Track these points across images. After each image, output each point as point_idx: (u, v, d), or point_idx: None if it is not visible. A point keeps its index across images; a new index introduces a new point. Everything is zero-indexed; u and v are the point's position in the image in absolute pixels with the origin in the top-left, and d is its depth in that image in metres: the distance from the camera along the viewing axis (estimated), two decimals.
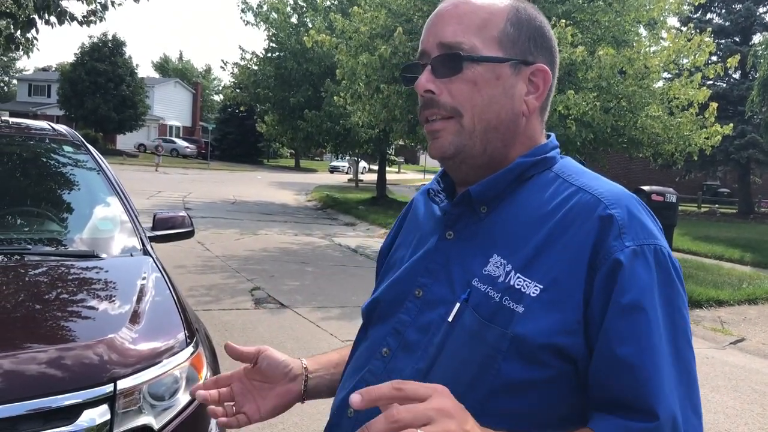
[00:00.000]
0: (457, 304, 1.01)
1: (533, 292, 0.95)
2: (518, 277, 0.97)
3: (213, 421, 2.31)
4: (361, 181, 34.07)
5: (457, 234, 1.09)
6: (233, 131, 50.74)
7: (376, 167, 26.92)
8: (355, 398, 0.82)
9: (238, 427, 1.19)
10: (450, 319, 1.01)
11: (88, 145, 3.62)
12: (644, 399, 0.89)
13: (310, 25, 20.51)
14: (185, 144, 50.38)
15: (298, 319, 6.75)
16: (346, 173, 45.55)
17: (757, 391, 5.55)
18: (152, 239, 3.25)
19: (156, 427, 2.07)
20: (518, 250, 1.00)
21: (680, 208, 25.73)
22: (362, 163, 39.58)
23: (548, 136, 1.14)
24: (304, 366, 1.26)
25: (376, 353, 1.09)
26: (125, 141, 47.94)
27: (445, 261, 1.08)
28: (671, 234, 9.24)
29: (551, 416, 0.95)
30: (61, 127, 3.82)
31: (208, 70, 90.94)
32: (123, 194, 3.31)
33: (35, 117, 49.72)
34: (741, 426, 4.74)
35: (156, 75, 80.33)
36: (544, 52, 1.09)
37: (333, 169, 50.19)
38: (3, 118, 4.00)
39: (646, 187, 9.01)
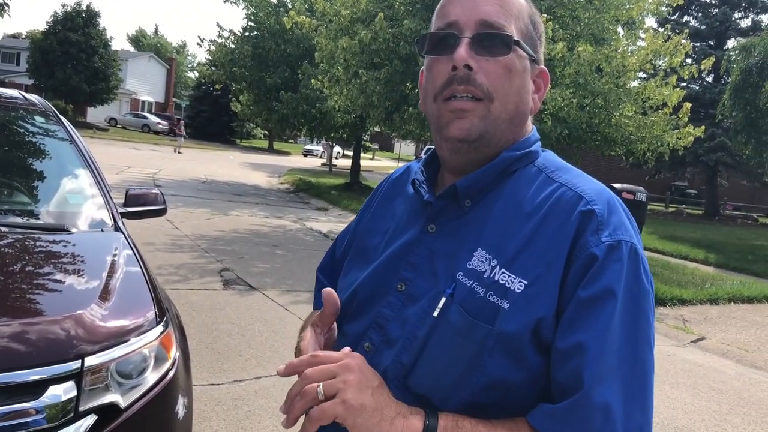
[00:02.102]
0: (443, 299, 1.00)
1: (518, 288, 0.96)
2: (503, 273, 0.97)
3: (180, 401, 2.29)
4: (335, 166, 33.94)
5: (440, 227, 1.08)
6: (207, 109, 50.07)
7: (350, 153, 26.82)
8: (280, 368, 0.94)
9: None
10: (435, 314, 1.00)
11: (60, 117, 3.54)
12: (578, 381, 0.90)
13: (290, 6, 20.27)
14: (157, 120, 49.60)
15: (266, 301, 6.72)
16: (320, 157, 45.30)
17: (715, 389, 5.68)
18: (124, 215, 3.20)
19: (123, 405, 2.04)
20: (503, 245, 1.00)
21: (649, 207, 26.19)
22: (336, 148, 39.47)
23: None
24: None
25: (358, 348, 1.08)
26: (96, 114, 47.03)
27: (429, 254, 1.07)
28: (640, 232, 9.35)
29: (534, 403, 0.96)
30: (33, 97, 3.72)
31: (184, 46, 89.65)
32: (95, 168, 3.25)
33: (2, 85, 48.55)
34: (698, 422, 4.84)
35: (130, 48, 78.93)
36: (542, 55, 1.12)
37: (307, 153, 49.86)
38: None
39: (617, 185, 9.11)
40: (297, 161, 40.99)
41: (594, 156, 19.32)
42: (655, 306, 7.19)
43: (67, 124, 3.46)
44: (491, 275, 0.98)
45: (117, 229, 2.89)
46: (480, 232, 1.03)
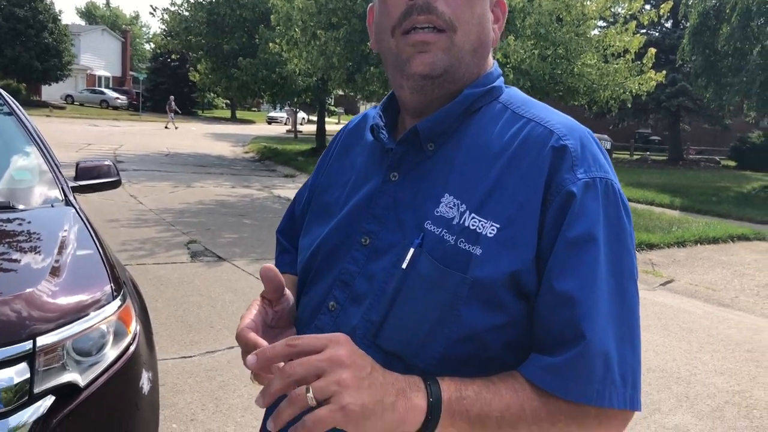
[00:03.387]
0: (411, 250, 0.93)
1: (490, 233, 0.90)
2: (473, 218, 0.91)
3: (144, 376, 2.22)
4: (300, 132, 33.55)
5: (403, 175, 1.01)
6: (165, 81, 48.99)
7: (315, 118, 26.50)
8: (251, 359, 0.79)
9: None
10: (404, 266, 0.93)
11: (3, 92, 3.36)
12: (577, 332, 0.86)
13: None
14: (115, 95, 48.33)
15: (235, 271, 6.63)
16: (285, 124, 44.80)
17: (685, 329, 5.77)
18: (75, 189, 3.07)
19: (82, 384, 1.96)
20: (471, 188, 0.94)
21: (614, 156, 26.42)
22: (301, 114, 39.01)
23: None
24: None
25: (322, 308, 1.01)
26: (51, 92, 45.67)
27: (393, 204, 0.99)
28: None
29: (515, 359, 0.91)
30: None
31: (137, 18, 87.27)
32: (42, 143, 3.10)
33: None
34: (669, 362, 4.92)
35: (82, 23, 76.58)
36: None
37: (271, 120, 49.23)
38: None
39: None
40: (261, 129, 40.47)
41: (558, 107, 19.38)
42: None
43: (9, 100, 3.30)
44: (461, 221, 0.92)
45: (68, 203, 2.77)
46: (446, 177, 0.96)
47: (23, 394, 1.83)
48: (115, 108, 46.11)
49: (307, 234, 1.13)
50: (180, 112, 35.96)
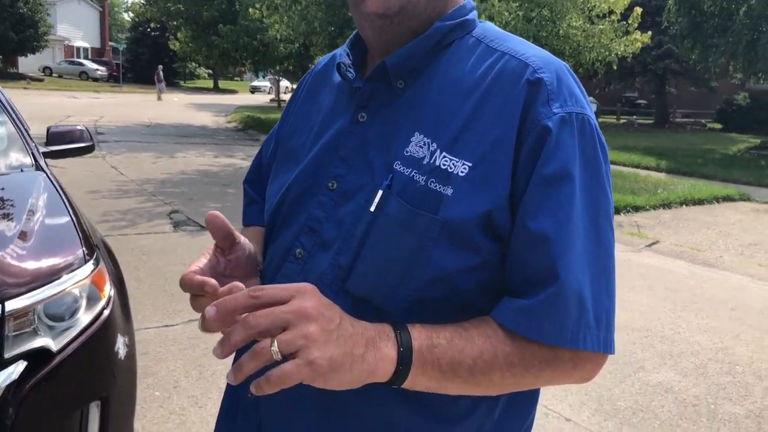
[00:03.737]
0: (380, 192, 0.88)
1: (461, 172, 0.85)
2: (444, 157, 0.87)
3: (120, 341, 2.17)
4: (284, 100, 33.21)
5: (372, 114, 0.95)
6: (146, 51, 48.24)
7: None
8: (210, 310, 0.73)
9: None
10: (372, 209, 0.88)
11: None
12: (552, 272, 0.82)
13: None
14: (95, 66, 47.52)
15: None
16: (269, 93, 44.33)
17: (669, 289, 5.80)
18: (47, 155, 2.98)
19: (55, 348, 1.91)
20: (443, 126, 0.89)
21: (600, 120, 26.41)
22: (284, 82, 38.60)
23: None
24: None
25: (289, 256, 0.96)
26: (29, 64, 44.81)
27: (361, 145, 0.94)
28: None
29: (489, 303, 0.87)
30: None
31: None
32: (10, 108, 3.00)
33: None
34: (654, 321, 4.94)
35: None
36: None
37: (254, 90, 48.71)
38: None
39: None
40: (244, 99, 40.03)
41: None
42: None
43: None
44: (431, 161, 0.87)
45: (38, 168, 2.69)
46: (417, 115, 0.91)
47: None
48: (95, 80, 45.38)
49: (273, 182, 1.08)
50: (164, 81, 35.42)
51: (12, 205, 2.34)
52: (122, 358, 2.16)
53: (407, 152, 0.89)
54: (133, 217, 7.36)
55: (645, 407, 3.59)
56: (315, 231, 0.94)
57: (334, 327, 0.74)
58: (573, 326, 0.82)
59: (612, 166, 13.39)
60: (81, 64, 48.03)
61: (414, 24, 0.93)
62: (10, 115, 2.92)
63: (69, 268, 2.07)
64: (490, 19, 10.04)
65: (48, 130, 3.16)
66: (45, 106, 22.10)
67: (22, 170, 2.65)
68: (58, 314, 1.98)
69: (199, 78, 55.89)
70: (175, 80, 50.87)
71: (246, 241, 1.00)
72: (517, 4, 10.49)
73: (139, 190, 8.99)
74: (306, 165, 1.00)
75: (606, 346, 0.85)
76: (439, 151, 0.87)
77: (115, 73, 45.59)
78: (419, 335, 0.80)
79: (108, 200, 8.22)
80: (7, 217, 2.24)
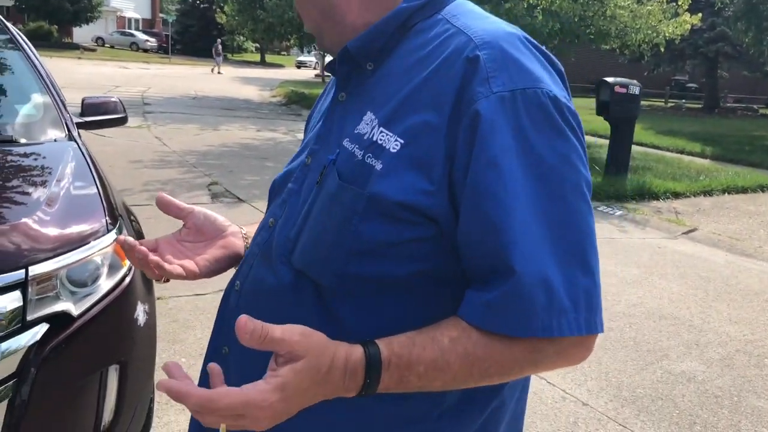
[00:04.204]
0: (325, 166, 0.92)
1: (393, 148, 0.86)
2: (381, 132, 0.88)
3: (140, 308, 2.26)
4: (328, 75, 33.17)
5: (349, 95, 0.98)
6: (194, 24, 48.76)
7: None
8: (164, 384, 0.77)
9: (172, 278, 1.03)
10: (317, 182, 0.93)
11: (10, 27, 3.36)
12: (506, 263, 0.79)
13: None
14: (145, 38, 48.30)
15: (255, 213, 6.69)
16: (314, 68, 44.41)
17: (702, 278, 5.70)
18: (81, 126, 3.08)
19: (75, 313, 2.00)
20: (387, 102, 0.90)
21: (647, 103, 25.79)
22: (329, 58, 38.55)
23: None
24: (242, 230, 1.16)
25: (266, 225, 1.02)
26: (82, 34, 45.73)
27: (332, 124, 0.98)
28: (632, 126, 9.19)
29: (426, 284, 0.87)
30: None
31: None
32: (48, 78, 3.11)
33: None
34: (683, 310, 4.88)
35: None
36: None
37: (300, 65, 48.85)
38: None
39: (609, 79, 8.84)
40: (290, 73, 40.21)
41: (591, 54, 18.86)
42: (648, 200, 7.16)
43: (16, 35, 3.30)
44: (371, 135, 0.89)
45: (71, 138, 2.79)
46: (373, 95, 0.93)
47: (17, 322, 1.87)
48: (145, 51, 46.13)
49: None
50: (223, 55, 35.78)
51: (41, 174, 2.44)
52: (141, 325, 2.25)
53: (356, 130, 0.91)
54: (173, 188, 7.53)
55: (665, 396, 3.57)
56: (286, 203, 0.99)
57: (287, 409, 0.76)
58: (543, 314, 0.79)
59: (655, 151, 13.13)
60: (132, 35, 48.85)
61: (352, 20, 0.97)
62: (47, 87, 3.02)
63: (92, 236, 2.15)
64: None
65: (83, 101, 3.26)
66: (97, 76, 22.59)
67: (55, 140, 2.75)
68: (80, 280, 2.07)
69: (246, 51, 56.26)
70: (222, 53, 51.30)
71: (199, 210, 1.12)
72: None
73: (181, 161, 9.18)
74: (301, 146, 1.08)
75: (589, 328, 0.81)
76: (377, 125, 0.88)
77: (164, 45, 46.21)
78: (387, 344, 0.81)
79: (150, 170, 8.42)
80: (35, 185, 2.34)
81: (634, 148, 10.97)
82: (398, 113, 0.87)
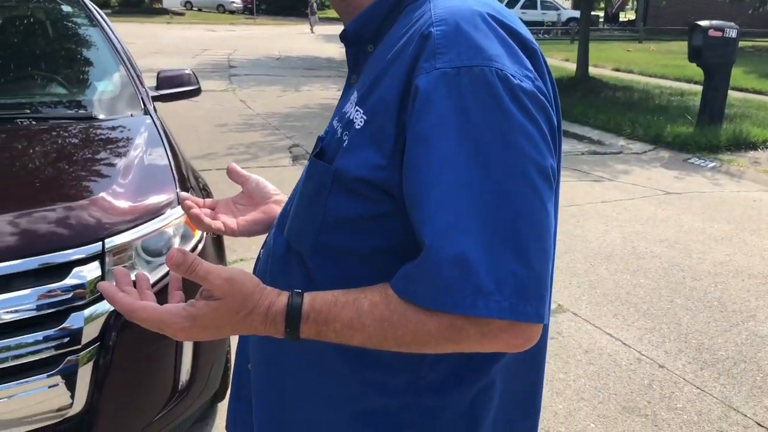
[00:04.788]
0: (315, 144, 0.99)
1: (358, 124, 0.89)
2: (356, 109, 0.91)
3: None
4: None
5: (358, 76, 1.01)
6: None
7: None
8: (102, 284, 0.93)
9: (212, 232, 1.31)
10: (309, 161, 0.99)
11: (90, 4, 3.52)
12: (420, 235, 0.81)
13: None
14: None
15: None
16: None
17: None
18: (156, 99, 3.21)
19: (151, 281, 2.13)
20: (366, 82, 0.93)
21: (751, 44, 24.12)
22: None
23: None
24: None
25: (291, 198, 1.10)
26: None
27: (338, 106, 1.04)
28: (728, 72, 8.65)
29: (393, 259, 0.88)
30: None
31: None
32: (126, 55, 3.25)
33: None
34: None
35: None
36: None
37: None
38: None
39: (703, 22, 8.32)
40: None
41: None
42: (746, 150, 6.79)
43: (95, 11, 3.45)
44: (349, 114, 0.92)
45: (146, 113, 2.92)
46: (365, 75, 0.97)
47: (97, 291, 2.02)
48: (231, 12, 46.87)
49: None
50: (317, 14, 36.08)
51: (117, 149, 2.58)
52: None
53: (343, 108, 0.96)
54: (256, 150, 7.74)
55: (749, 359, 3.45)
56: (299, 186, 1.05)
57: (202, 334, 0.88)
58: (456, 291, 0.77)
59: (756, 97, 12.34)
60: None
61: (359, 1, 1.00)
62: (124, 62, 3.15)
63: (165, 207, 2.27)
64: None
65: (158, 74, 3.39)
66: (185, 40, 23.24)
67: (131, 115, 2.89)
68: (154, 250, 2.20)
69: (330, 8, 56.24)
70: (305, 11, 51.49)
71: (254, 178, 1.26)
72: None
73: (264, 124, 9.39)
74: None
75: (515, 313, 0.78)
76: (355, 103, 0.92)
77: (249, 6, 46.77)
78: (310, 300, 0.87)
79: (234, 134, 8.67)
80: (112, 159, 2.48)
81: (733, 94, 10.37)
82: (369, 92, 0.90)
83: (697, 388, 3.18)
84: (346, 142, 0.89)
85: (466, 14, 0.85)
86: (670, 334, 3.68)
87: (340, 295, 0.87)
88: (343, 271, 0.92)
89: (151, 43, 20.53)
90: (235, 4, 47.74)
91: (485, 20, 0.85)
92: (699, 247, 4.99)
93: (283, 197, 1.23)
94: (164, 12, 41.01)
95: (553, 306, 3.94)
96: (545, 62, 0.91)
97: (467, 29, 0.83)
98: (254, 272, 1.16)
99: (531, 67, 0.86)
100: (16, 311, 1.91)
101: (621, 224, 5.50)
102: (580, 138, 9.25)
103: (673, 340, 3.62)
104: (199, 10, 47.05)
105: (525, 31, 0.90)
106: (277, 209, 1.19)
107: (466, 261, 0.77)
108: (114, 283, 0.92)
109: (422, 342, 0.84)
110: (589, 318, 3.84)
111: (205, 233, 2.41)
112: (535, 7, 31.69)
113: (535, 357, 1.06)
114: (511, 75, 0.82)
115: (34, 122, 2.71)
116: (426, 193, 0.80)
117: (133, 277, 0.96)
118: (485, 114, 0.80)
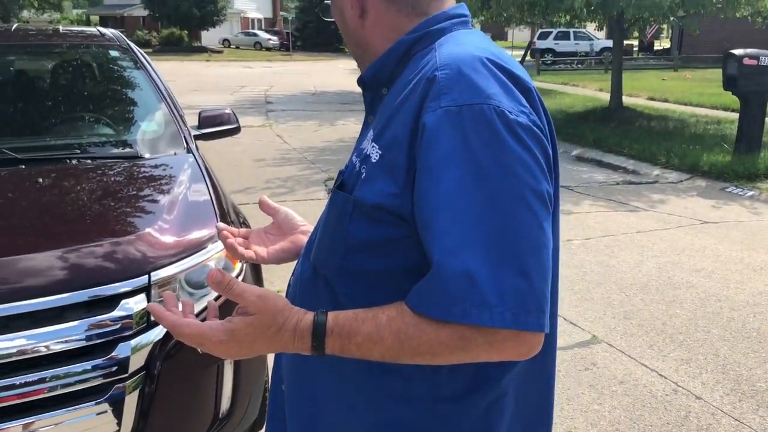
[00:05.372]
0: (336, 177, 1.09)
1: (374, 158, 1.00)
2: (372, 145, 1.02)
3: None
4: None
5: (374, 117, 1.14)
6: (313, 20, 49.94)
7: None
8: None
9: (244, 261, 1.40)
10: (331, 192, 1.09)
11: (134, 48, 3.71)
12: (431, 255, 0.91)
13: None
14: (267, 36, 50.25)
15: None
16: None
17: None
18: (198, 138, 3.36)
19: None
20: (380, 121, 1.04)
21: None
22: None
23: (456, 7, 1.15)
24: None
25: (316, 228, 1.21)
26: (210, 37, 48.28)
27: (357, 143, 1.15)
28: (765, 100, 8.54)
29: (410, 277, 0.97)
30: (110, 32, 3.92)
31: None
32: (169, 96, 3.40)
33: (122, 19, 50.75)
34: None
35: None
36: None
37: None
38: (59, 27, 4.13)
39: (737, 51, 8.28)
40: None
41: (719, 24, 17.63)
42: None
43: (140, 55, 3.63)
44: (366, 149, 1.03)
45: (189, 151, 3.05)
46: (380, 115, 1.08)
47: (143, 321, 2.12)
48: (268, 49, 47.98)
49: None
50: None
51: (162, 186, 2.71)
52: None
53: (361, 145, 1.07)
54: (293, 184, 7.90)
55: None
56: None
57: (239, 350, 0.99)
58: (463, 303, 0.87)
59: None
60: (255, 34, 50.95)
61: (369, 55, 1.15)
62: (168, 102, 3.31)
63: (207, 242, 2.38)
64: None
65: (200, 114, 3.54)
66: (224, 77, 23.84)
67: (175, 153, 3.03)
68: (197, 282, 2.30)
69: None
70: (340, 46, 52.41)
71: (284, 210, 1.38)
72: None
73: (300, 158, 9.58)
74: None
75: (517, 323, 0.88)
76: (371, 140, 1.03)
77: (285, 42, 47.81)
78: (334, 316, 0.97)
79: (272, 168, 8.87)
80: (157, 195, 2.60)
81: None
82: (383, 130, 1.02)
83: (736, 419, 3.14)
84: (363, 174, 1.01)
85: (467, 59, 0.97)
86: (707, 365, 3.65)
87: (360, 312, 0.97)
88: (366, 290, 1.02)
89: (190, 81, 21.11)
90: (271, 41, 48.86)
91: (484, 64, 0.97)
92: (737, 277, 4.94)
93: (309, 227, 1.33)
94: (203, 50, 42.16)
95: (587, 337, 3.95)
96: (540, 99, 1.03)
97: (468, 72, 0.95)
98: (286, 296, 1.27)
99: (526, 104, 0.97)
100: (68, 341, 2.02)
101: (656, 254, 5.47)
102: (615, 168, 9.23)
103: (710, 371, 3.59)
104: (237, 47, 48.27)
105: (521, 72, 1.02)
106: (304, 239, 1.29)
107: (472, 276, 0.87)
108: (163, 305, 1.04)
109: (436, 352, 0.93)
110: (624, 349, 3.82)
111: (244, 266, 2.51)
112: (568, 38, 31.81)
113: (546, 367, 1.15)
114: (508, 111, 0.93)
115: (83, 161, 2.86)
116: (434, 217, 0.91)
117: (179, 304, 1.07)
118: (485, 145, 0.91)
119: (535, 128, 0.95)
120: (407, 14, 1.10)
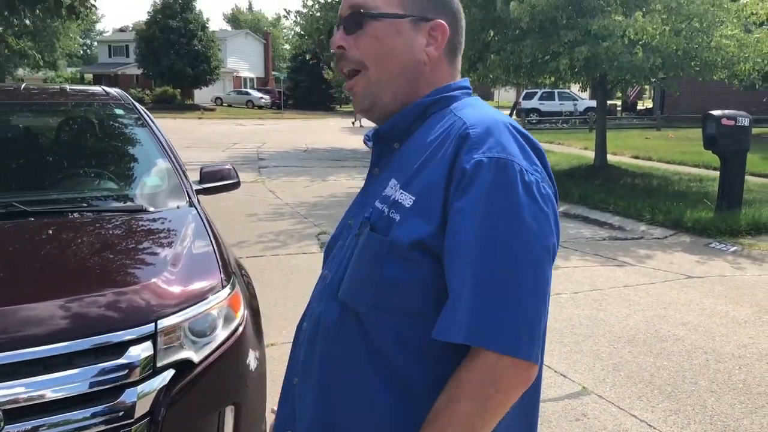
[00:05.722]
0: (362, 223, 1.19)
1: (408, 203, 1.13)
2: (401, 193, 1.15)
3: (251, 355, 2.54)
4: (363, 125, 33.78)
5: (381, 169, 1.27)
6: (304, 79, 51.02)
7: None
8: None
9: None
10: (356, 235, 1.20)
11: (138, 106, 3.86)
12: (450, 283, 1.07)
13: None
14: (259, 95, 51.13)
15: None
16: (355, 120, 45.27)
17: None
18: (200, 192, 3.48)
19: (196, 360, 2.31)
20: (406, 171, 1.17)
21: (757, 131, 24.37)
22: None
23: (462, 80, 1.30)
24: None
25: (320, 278, 1.30)
26: (202, 95, 49.12)
27: (367, 192, 1.27)
28: (744, 158, 8.84)
29: (440, 311, 1.10)
30: (114, 91, 4.08)
31: (279, 19, 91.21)
32: (172, 152, 3.54)
33: (116, 77, 51.52)
34: None
35: (228, 28, 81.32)
36: (444, 10, 1.26)
37: None
38: (66, 86, 4.29)
39: (715, 112, 8.59)
40: None
41: (699, 85, 18.20)
42: (759, 233, 6.78)
43: (143, 113, 3.78)
44: (394, 196, 1.16)
45: (191, 205, 3.17)
46: (398, 167, 1.21)
47: (149, 368, 2.20)
48: (260, 107, 48.75)
49: None
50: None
51: (166, 238, 2.82)
52: (253, 370, 2.54)
53: (384, 193, 1.19)
54: (285, 238, 8.00)
55: None
56: (335, 257, 1.27)
57: None
58: (467, 326, 1.03)
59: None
60: (247, 93, 51.84)
61: (390, 108, 1.26)
62: (171, 158, 3.45)
63: (210, 292, 2.48)
64: (636, 34, 9.79)
65: (201, 170, 3.68)
66: (216, 134, 24.15)
67: (178, 207, 3.14)
68: (200, 331, 2.38)
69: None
70: (331, 105, 53.33)
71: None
72: (664, 17, 10.15)
73: (293, 213, 9.71)
74: (345, 212, 1.37)
75: (516, 352, 1.04)
76: (399, 188, 1.15)
77: (277, 101, 48.65)
78: None
79: (264, 222, 8.98)
80: (162, 247, 2.71)
81: (751, 179, 10.54)
82: (413, 178, 1.15)
83: None
84: (397, 218, 1.12)
85: (491, 122, 1.14)
86: (695, 415, 3.72)
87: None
88: (399, 325, 1.13)
89: (184, 138, 21.38)
90: (263, 100, 49.67)
91: (507, 127, 1.15)
92: (722, 330, 5.04)
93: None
94: (196, 108, 42.79)
95: (577, 388, 4.02)
96: (545, 156, 1.19)
97: (496, 133, 1.12)
98: (293, 347, 1.36)
99: (538, 163, 1.14)
100: (76, 387, 2.09)
101: (643, 308, 5.58)
102: (601, 224, 9.41)
103: (698, 422, 3.65)
104: (229, 105, 49.01)
105: (533, 137, 1.19)
106: None
107: (481, 309, 1.04)
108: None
109: (481, 389, 1.06)
110: (613, 400, 3.89)
111: (246, 315, 2.60)
112: (553, 99, 32.51)
113: (530, 399, 1.24)
114: (525, 169, 1.10)
115: (93, 215, 2.97)
116: (456, 252, 1.07)
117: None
118: (504, 194, 1.07)
119: (545, 185, 1.13)
120: (449, 75, 1.27)
